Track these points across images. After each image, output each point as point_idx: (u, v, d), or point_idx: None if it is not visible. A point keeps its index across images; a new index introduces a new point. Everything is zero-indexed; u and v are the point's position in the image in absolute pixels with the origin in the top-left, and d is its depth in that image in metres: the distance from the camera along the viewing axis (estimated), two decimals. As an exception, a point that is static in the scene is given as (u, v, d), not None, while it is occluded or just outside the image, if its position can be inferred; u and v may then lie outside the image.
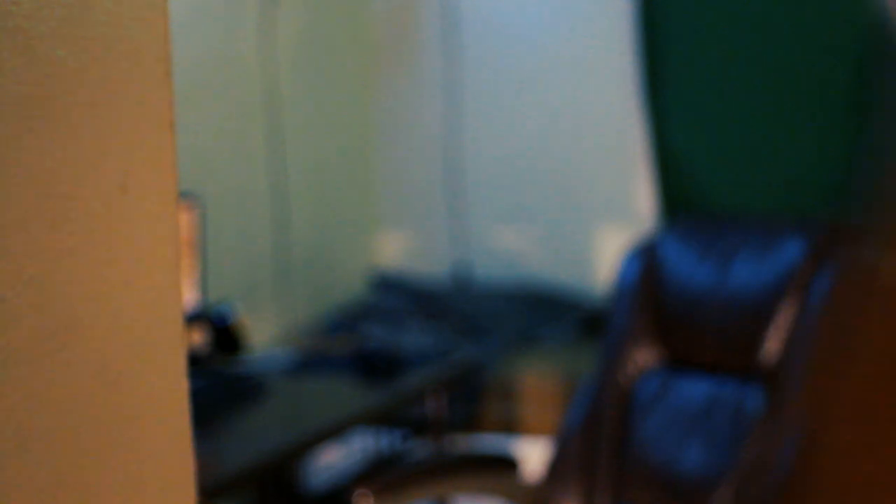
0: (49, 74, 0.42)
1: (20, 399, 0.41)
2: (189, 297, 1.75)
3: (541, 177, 2.70)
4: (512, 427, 2.20)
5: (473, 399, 2.13)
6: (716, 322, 1.50)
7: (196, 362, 1.71)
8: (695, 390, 1.49)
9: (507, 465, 1.54)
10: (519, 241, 2.74)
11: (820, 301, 1.28)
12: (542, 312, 2.47)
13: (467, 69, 2.81)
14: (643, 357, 1.59)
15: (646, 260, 1.63)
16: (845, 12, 2.45)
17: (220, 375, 1.73)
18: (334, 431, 1.44)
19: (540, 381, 2.24)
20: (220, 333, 1.77)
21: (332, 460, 2.38)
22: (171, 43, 0.49)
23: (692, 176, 2.63)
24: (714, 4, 2.58)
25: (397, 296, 2.73)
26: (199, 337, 1.74)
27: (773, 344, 1.34)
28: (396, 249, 3.03)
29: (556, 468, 1.56)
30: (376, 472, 2.31)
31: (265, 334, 2.28)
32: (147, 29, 0.48)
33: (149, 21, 0.48)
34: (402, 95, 2.96)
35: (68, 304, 0.43)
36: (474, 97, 2.78)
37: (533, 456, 1.83)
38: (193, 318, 1.74)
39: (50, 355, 0.43)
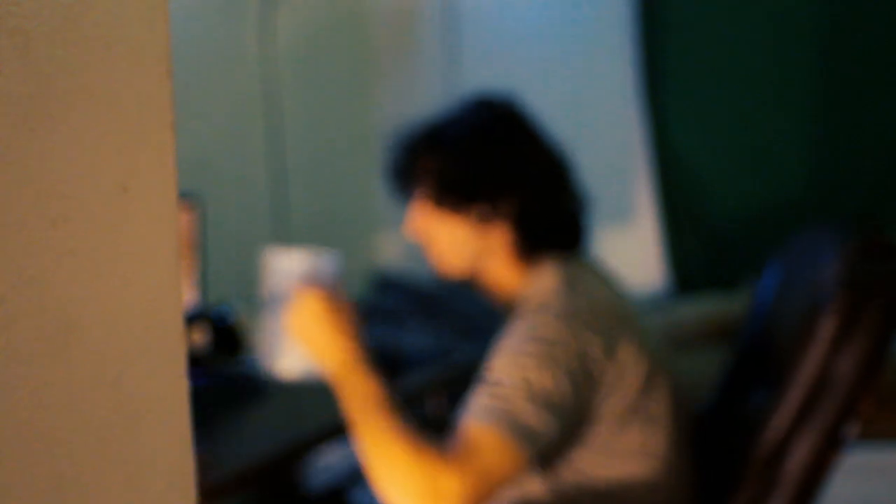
0: (49, 74, 0.42)
1: (20, 399, 0.41)
2: (189, 297, 1.75)
3: (541, 177, 2.70)
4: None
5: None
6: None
7: (196, 362, 1.71)
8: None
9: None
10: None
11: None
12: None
13: (467, 69, 2.81)
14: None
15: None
16: (847, 12, 2.45)
17: (220, 375, 1.73)
18: (334, 431, 1.43)
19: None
20: (220, 333, 1.77)
21: (332, 460, 2.38)
22: (170, 43, 0.49)
23: (692, 176, 2.63)
24: (714, 5, 2.58)
25: (397, 296, 2.73)
26: (199, 337, 1.74)
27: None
28: (396, 249, 3.03)
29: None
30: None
31: (265, 334, 2.28)
32: (147, 29, 0.47)
33: (149, 21, 0.48)
34: (402, 95, 2.96)
35: (68, 304, 0.43)
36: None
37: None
38: (193, 318, 1.74)
39: (50, 355, 0.43)
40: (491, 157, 1.29)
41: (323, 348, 1.22)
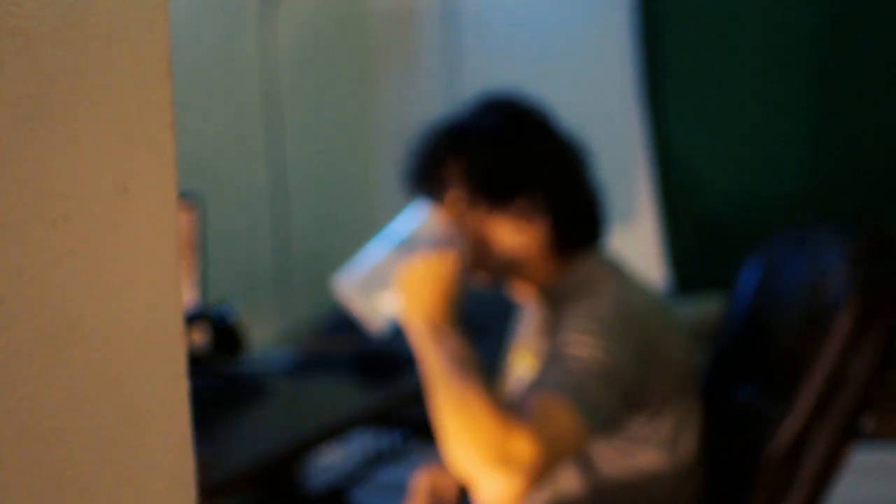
0: (49, 74, 0.42)
1: (20, 399, 0.41)
2: (189, 297, 1.75)
3: (541, 177, 2.70)
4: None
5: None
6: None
7: (196, 362, 1.71)
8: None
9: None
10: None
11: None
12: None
13: (467, 69, 2.81)
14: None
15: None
16: (847, 13, 2.45)
17: (220, 375, 1.73)
18: (334, 431, 1.44)
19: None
20: (220, 333, 1.77)
21: (332, 460, 2.38)
22: (170, 43, 0.49)
23: (692, 176, 2.63)
24: (714, 6, 2.58)
25: (397, 296, 2.72)
26: (199, 337, 1.74)
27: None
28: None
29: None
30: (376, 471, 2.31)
31: (265, 334, 2.28)
32: (147, 29, 0.48)
33: (149, 21, 0.48)
34: (402, 95, 2.96)
35: (68, 304, 0.43)
36: (474, 97, 2.78)
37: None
38: (193, 318, 1.74)
39: (50, 355, 0.43)
40: (522, 152, 1.29)
41: (422, 306, 1.23)
